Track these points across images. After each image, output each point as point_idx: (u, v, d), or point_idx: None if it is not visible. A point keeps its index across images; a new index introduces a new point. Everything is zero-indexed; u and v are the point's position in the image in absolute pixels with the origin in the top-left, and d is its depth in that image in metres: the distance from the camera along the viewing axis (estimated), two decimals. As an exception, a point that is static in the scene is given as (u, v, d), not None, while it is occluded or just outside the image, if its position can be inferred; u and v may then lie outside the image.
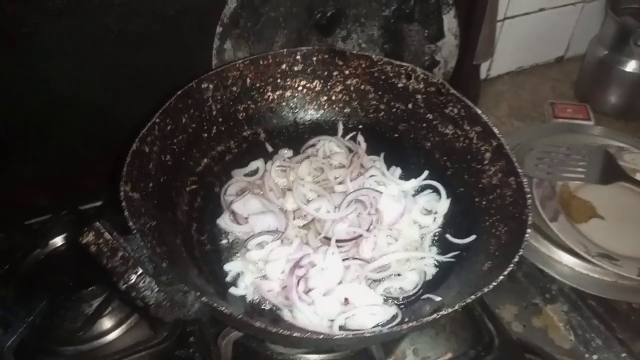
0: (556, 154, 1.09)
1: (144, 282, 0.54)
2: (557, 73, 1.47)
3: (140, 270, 0.54)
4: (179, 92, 0.84)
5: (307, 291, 0.75)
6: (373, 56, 0.90)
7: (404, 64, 0.89)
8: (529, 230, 0.66)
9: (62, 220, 1.01)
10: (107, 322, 0.89)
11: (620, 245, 0.96)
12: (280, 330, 0.59)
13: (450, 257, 0.80)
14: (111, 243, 0.55)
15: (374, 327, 0.72)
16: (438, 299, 0.73)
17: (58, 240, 0.99)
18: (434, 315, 0.60)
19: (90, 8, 0.83)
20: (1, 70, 0.84)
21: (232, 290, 0.78)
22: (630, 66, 1.25)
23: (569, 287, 0.95)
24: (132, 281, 0.54)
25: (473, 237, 0.79)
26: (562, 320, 0.92)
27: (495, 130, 0.78)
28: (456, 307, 0.60)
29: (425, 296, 0.76)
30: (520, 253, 0.63)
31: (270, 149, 0.97)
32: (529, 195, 0.70)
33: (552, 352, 0.88)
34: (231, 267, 0.81)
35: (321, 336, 0.61)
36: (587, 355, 0.87)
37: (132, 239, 0.64)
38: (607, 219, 1.04)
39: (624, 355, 0.86)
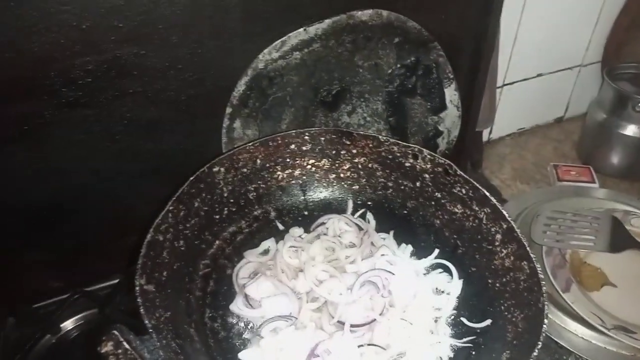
0: (563, 220, 1.08)
1: (162, 395, 0.53)
2: (558, 133, 1.50)
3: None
4: (191, 178, 0.85)
5: (324, 381, 0.74)
6: (380, 137, 0.92)
7: (411, 145, 0.90)
8: (546, 321, 0.66)
9: (72, 304, 1.00)
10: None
11: (636, 315, 0.95)
12: None
13: (467, 342, 0.79)
14: (130, 354, 0.55)
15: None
16: (456, 388, 0.72)
17: (69, 324, 0.98)
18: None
19: (105, 98, 0.85)
20: (15, 162, 0.86)
21: (248, 381, 0.77)
22: (630, 130, 1.27)
23: (585, 361, 0.93)
24: (151, 394, 0.53)
25: (489, 321, 0.78)
26: (580, 396, 0.90)
27: (505, 213, 0.79)
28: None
29: (442, 384, 0.75)
30: (539, 346, 0.63)
31: (281, 227, 0.98)
32: (543, 283, 0.70)
33: None
34: (246, 357, 0.79)
35: None
36: None
37: (147, 339, 0.63)
38: (619, 286, 1.03)
39: None
